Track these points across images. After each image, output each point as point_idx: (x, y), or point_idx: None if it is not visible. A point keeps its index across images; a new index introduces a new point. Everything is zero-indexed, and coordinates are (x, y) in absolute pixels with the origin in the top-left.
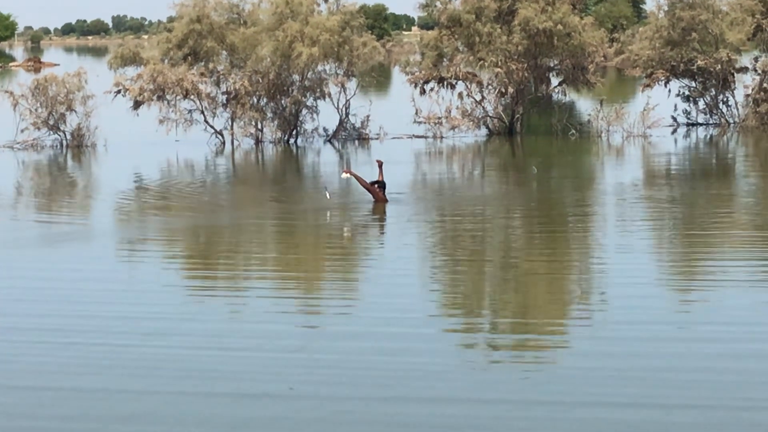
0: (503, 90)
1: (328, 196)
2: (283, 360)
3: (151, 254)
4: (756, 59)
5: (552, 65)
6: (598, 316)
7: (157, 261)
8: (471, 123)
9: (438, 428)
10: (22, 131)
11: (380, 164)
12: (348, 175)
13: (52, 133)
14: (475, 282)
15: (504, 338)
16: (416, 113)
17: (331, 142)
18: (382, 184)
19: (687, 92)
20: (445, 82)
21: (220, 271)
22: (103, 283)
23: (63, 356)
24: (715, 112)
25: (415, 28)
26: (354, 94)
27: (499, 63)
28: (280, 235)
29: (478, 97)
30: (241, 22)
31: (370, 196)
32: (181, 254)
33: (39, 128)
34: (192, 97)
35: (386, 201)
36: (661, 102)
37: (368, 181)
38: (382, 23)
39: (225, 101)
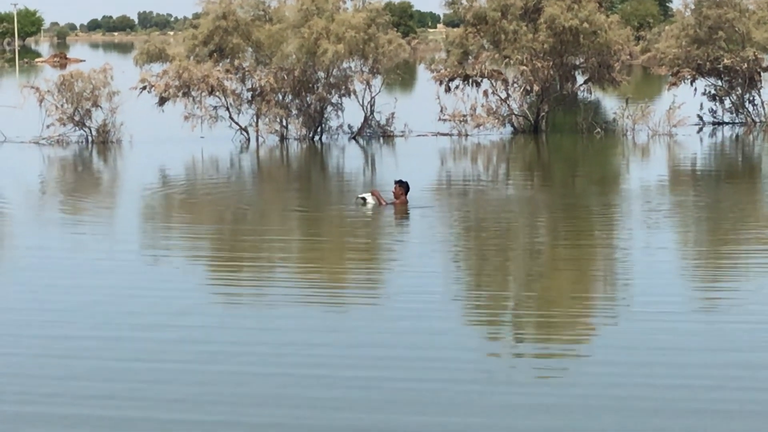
0: (528, 88)
1: (364, 203)
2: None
3: (175, 254)
4: None
5: (577, 63)
6: (622, 323)
7: (180, 261)
8: (496, 121)
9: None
10: (47, 127)
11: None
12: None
13: (77, 129)
14: (497, 283)
15: (527, 345)
16: (441, 111)
17: (355, 140)
18: (405, 185)
19: (713, 91)
20: (471, 80)
21: (244, 275)
22: (128, 283)
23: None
24: (741, 111)
25: (440, 26)
26: (379, 91)
27: (525, 61)
28: (303, 235)
29: (503, 95)
30: (267, 18)
31: (390, 200)
32: (204, 255)
33: (65, 124)
34: (217, 93)
35: (406, 203)
36: (687, 100)
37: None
38: (407, 20)
39: (250, 98)
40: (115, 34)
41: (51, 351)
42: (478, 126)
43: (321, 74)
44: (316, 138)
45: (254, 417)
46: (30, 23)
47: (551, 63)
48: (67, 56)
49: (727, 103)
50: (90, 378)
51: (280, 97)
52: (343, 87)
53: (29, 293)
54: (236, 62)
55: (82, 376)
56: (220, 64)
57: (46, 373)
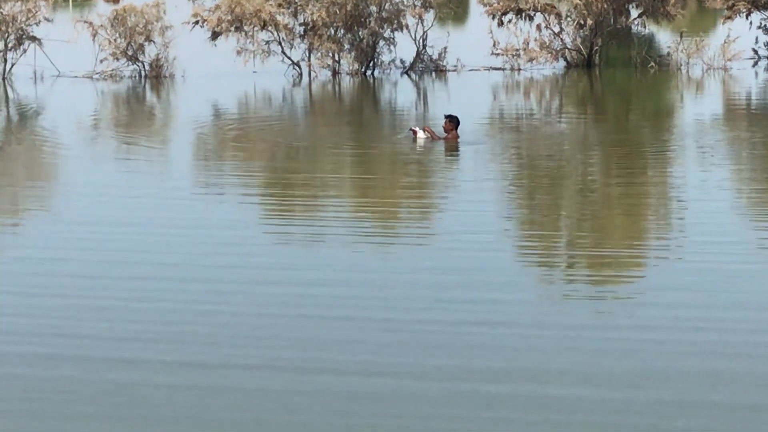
0: (582, 22)
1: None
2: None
3: (228, 191)
4: None
5: None
6: (677, 263)
7: (234, 199)
8: (549, 55)
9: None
10: (101, 61)
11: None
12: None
13: (130, 63)
14: (550, 221)
15: (581, 285)
16: (494, 45)
17: (408, 74)
18: (455, 120)
19: None
20: (523, 14)
21: (296, 213)
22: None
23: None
24: None
25: None
26: (431, 25)
27: None
28: (354, 171)
29: (556, 29)
30: None
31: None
32: (257, 192)
33: (118, 59)
34: (269, 28)
35: (457, 138)
36: (742, 34)
37: (436, 130)
38: None
39: (302, 32)
40: None
41: (113, 293)
42: (530, 60)
43: (373, 8)
44: (369, 73)
45: (313, 362)
46: None
47: None
48: None
49: None
50: (152, 320)
51: (333, 32)
52: (396, 21)
53: (88, 234)
54: None
55: (147, 320)
56: None
57: (110, 316)
